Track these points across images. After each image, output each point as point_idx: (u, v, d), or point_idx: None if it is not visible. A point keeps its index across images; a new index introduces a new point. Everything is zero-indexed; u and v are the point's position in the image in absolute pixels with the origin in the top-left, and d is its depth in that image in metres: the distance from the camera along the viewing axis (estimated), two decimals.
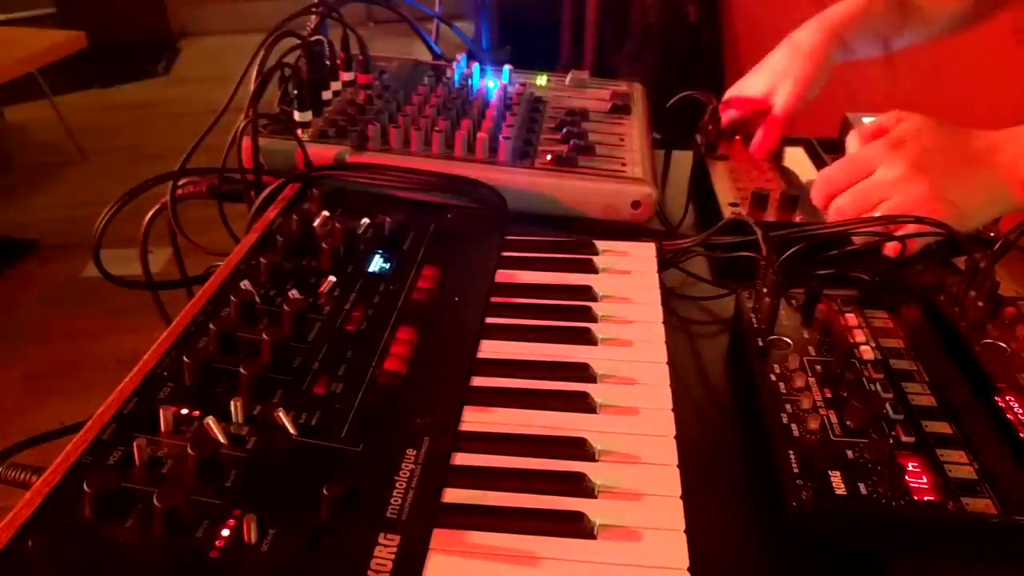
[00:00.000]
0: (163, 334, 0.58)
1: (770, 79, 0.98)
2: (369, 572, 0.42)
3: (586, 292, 0.67)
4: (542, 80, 1.07)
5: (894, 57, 1.07)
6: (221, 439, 0.48)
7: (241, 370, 0.52)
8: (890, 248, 0.72)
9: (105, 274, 0.75)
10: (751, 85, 1.01)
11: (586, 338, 0.62)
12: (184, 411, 0.50)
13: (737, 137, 0.99)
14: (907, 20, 1.01)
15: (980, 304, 0.63)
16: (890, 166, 0.72)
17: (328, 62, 0.95)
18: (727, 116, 0.99)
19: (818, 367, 0.59)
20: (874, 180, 0.73)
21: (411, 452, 0.50)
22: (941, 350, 0.61)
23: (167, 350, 0.56)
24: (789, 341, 0.62)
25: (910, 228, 0.70)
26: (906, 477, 0.49)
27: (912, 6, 1.01)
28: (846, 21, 0.97)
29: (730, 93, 1.03)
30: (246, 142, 0.79)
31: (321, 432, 0.50)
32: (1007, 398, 0.56)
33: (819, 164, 0.94)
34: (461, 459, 0.51)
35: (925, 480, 0.49)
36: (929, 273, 0.71)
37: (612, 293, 0.68)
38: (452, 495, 0.48)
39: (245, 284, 0.63)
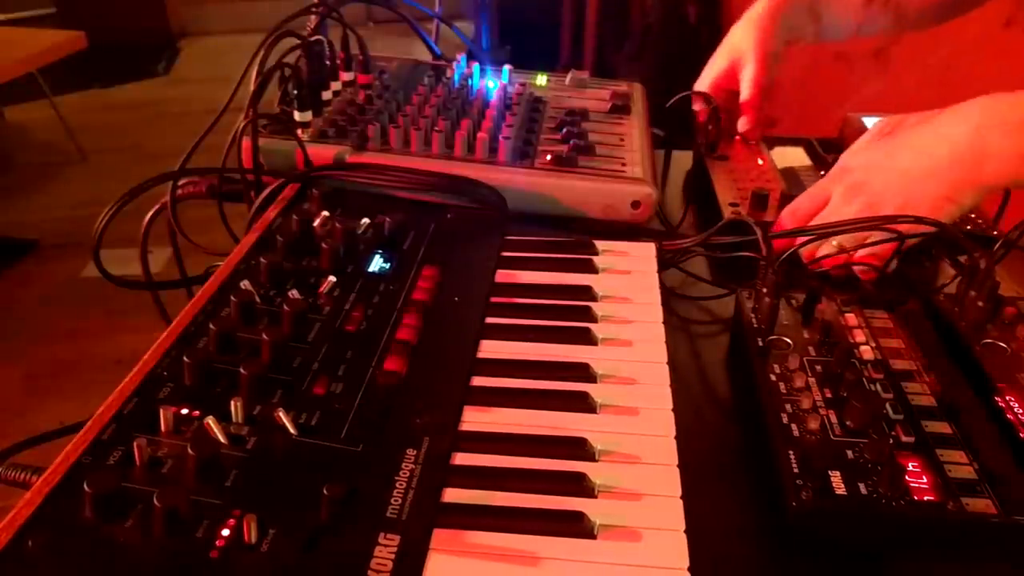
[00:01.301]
0: (163, 334, 0.58)
1: (728, 54, 1.00)
2: (369, 572, 0.42)
3: (586, 292, 0.67)
4: (542, 80, 1.07)
5: (894, 56, 1.07)
6: (221, 439, 0.48)
7: (241, 370, 0.52)
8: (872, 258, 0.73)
9: (105, 274, 0.75)
10: (713, 66, 1.02)
11: (586, 338, 0.62)
12: (184, 411, 0.50)
13: (737, 137, 0.99)
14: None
15: (980, 304, 0.63)
16: (836, 193, 0.76)
17: (328, 62, 0.95)
18: (700, 109, 0.99)
19: (818, 367, 0.59)
20: (828, 209, 0.76)
21: (411, 452, 0.50)
22: (941, 350, 0.61)
23: (167, 350, 0.56)
24: (789, 341, 0.62)
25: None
26: (906, 477, 0.49)
27: None
28: None
29: (697, 86, 1.03)
30: (246, 142, 0.79)
31: (321, 432, 0.50)
32: (1007, 398, 0.56)
33: (819, 164, 0.94)
34: (461, 459, 0.51)
35: (925, 480, 0.49)
36: (928, 272, 0.71)
37: (612, 293, 0.68)
38: (452, 495, 0.48)
39: (245, 284, 0.63)
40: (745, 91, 0.97)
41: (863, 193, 0.73)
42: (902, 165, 0.72)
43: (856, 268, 0.72)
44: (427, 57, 1.13)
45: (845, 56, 0.99)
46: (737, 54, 0.99)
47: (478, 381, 0.57)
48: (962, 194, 0.70)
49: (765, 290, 0.64)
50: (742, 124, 0.98)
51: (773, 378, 0.58)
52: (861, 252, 0.72)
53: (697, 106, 1.00)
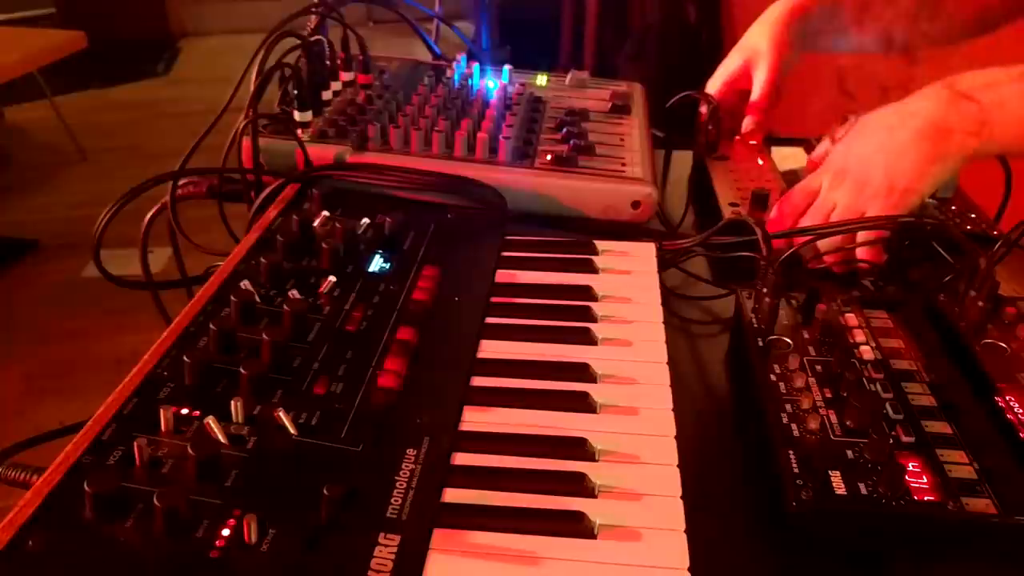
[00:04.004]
0: (163, 334, 0.58)
1: (744, 54, 1.00)
2: (369, 572, 0.42)
3: (586, 292, 0.67)
4: (542, 80, 1.07)
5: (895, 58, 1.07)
6: (221, 439, 0.48)
7: (241, 370, 0.52)
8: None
9: (105, 274, 0.75)
10: (727, 66, 1.02)
11: (586, 338, 0.62)
12: (184, 411, 0.50)
13: (737, 137, 0.99)
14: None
15: (980, 304, 0.63)
16: (824, 181, 0.78)
17: (328, 62, 0.95)
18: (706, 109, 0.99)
19: (818, 367, 0.59)
20: (820, 198, 0.78)
21: (411, 452, 0.50)
22: (941, 350, 0.61)
23: (167, 350, 0.56)
24: (789, 341, 0.62)
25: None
26: (906, 477, 0.49)
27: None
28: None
29: (710, 84, 1.03)
30: (246, 142, 0.79)
31: (321, 432, 0.50)
32: (1007, 398, 0.56)
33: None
34: (461, 459, 0.51)
35: (925, 480, 0.49)
36: (928, 272, 0.71)
37: (612, 293, 0.68)
38: (452, 495, 0.48)
39: (245, 284, 0.63)
40: (755, 93, 0.98)
41: (848, 176, 0.75)
42: (877, 142, 0.75)
43: (859, 256, 0.73)
44: (427, 57, 1.13)
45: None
46: (752, 54, 0.99)
47: (478, 381, 0.57)
48: (939, 161, 0.72)
49: (765, 290, 0.64)
50: (746, 125, 0.98)
51: (773, 378, 0.58)
52: (860, 247, 0.73)
53: (701, 106, 1.00)
